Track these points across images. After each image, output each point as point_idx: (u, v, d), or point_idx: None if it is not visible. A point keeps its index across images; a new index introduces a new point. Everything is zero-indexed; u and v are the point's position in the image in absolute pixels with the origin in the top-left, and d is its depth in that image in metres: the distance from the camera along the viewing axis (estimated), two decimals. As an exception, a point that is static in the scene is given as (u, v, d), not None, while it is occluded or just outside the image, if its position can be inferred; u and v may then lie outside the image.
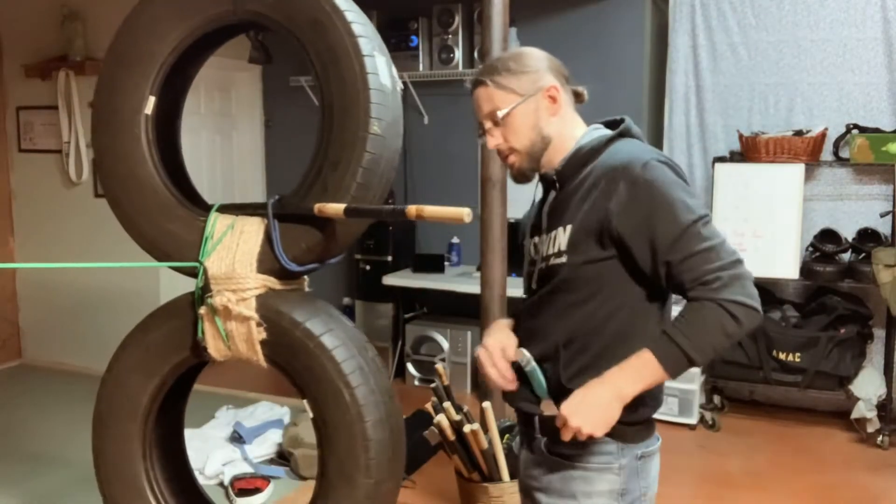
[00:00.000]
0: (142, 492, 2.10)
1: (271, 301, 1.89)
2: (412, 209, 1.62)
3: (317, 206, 1.78)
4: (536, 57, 1.58)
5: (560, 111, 1.57)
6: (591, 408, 1.41)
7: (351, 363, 1.85)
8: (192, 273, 1.94)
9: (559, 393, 1.52)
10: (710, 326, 1.38)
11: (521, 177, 1.62)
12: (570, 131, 1.59)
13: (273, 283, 1.90)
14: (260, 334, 1.88)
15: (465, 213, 1.51)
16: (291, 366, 1.89)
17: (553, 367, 1.54)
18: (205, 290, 1.90)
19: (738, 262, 1.40)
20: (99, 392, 2.09)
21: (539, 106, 1.55)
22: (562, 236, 1.52)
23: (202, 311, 1.91)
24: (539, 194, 1.68)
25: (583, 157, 1.54)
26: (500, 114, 1.55)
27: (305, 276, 2.01)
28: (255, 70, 5.43)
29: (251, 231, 1.89)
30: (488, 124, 1.58)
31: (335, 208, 1.76)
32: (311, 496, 1.97)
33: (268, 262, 1.88)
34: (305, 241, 1.86)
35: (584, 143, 1.56)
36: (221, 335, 1.90)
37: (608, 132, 1.58)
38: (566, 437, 1.44)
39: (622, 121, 1.60)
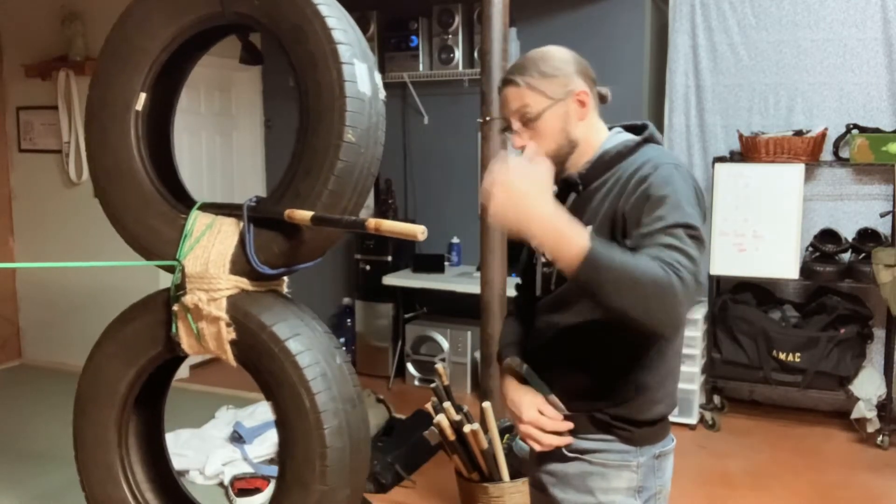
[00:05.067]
0: (115, 476, 2.14)
1: (242, 303, 1.89)
2: (371, 223, 1.65)
3: (287, 212, 1.78)
4: (566, 59, 1.57)
5: (588, 115, 1.57)
6: (511, 206, 1.32)
7: (314, 369, 1.84)
8: (171, 270, 1.95)
9: (577, 385, 1.55)
10: (641, 289, 1.27)
11: None
12: (596, 135, 1.60)
13: (245, 284, 1.91)
14: (229, 334, 1.89)
15: (419, 231, 1.54)
16: (257, 368, 1.90)
17: (569, 359, 1.56)
18: (179, 288, 1.90)
19: (697, 283, 1.33)
20: (80, 378, 2.14)
21: (568, 110, 1.55)
22: None
23: (175, 308, 1.92)
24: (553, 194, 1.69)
25: (608, 162, 1.55)
26: (530, 116, 1.55)
27: (284, 278, 2.01)
28: (255, 70, 5.43)
29: (227, 231, 1.90)
30: (517, 124, 1.57)
31: (303, 215, 1.76)
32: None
33: (241, 264, 1.88)
34: (277, 245, 1.87)
35: (610, 148, 1.57)
36: (194, 332, 1.91)
37: (632, 137, 1.59)
38: (486, 192, 1.34)
39: (643, 126, 1.61)
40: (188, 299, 1.88)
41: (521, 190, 1.32)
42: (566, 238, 1.30)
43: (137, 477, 2.17)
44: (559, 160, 1.57)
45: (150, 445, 2.24)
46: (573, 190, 1.60)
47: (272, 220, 1.84)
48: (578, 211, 1.56)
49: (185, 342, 1.95)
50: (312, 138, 1.80)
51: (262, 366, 1.88)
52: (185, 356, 2.04)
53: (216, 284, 1.87)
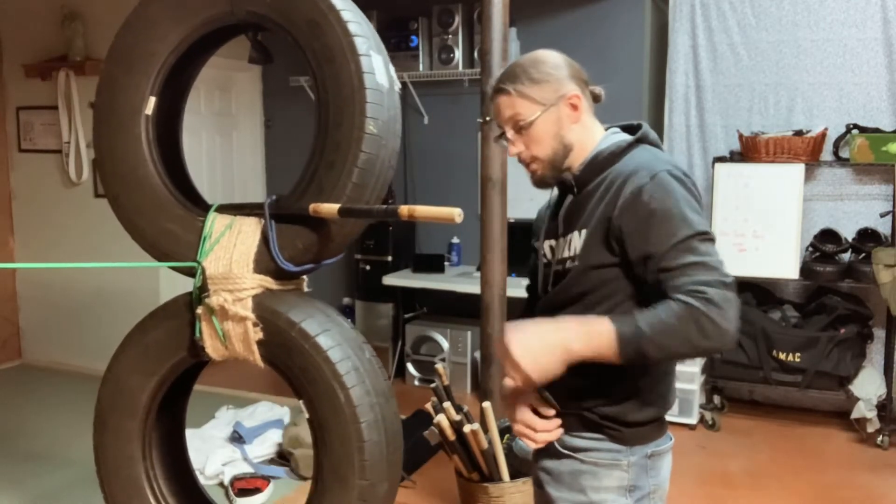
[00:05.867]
0: (141, 491, 2.11)
1: (268, 301, 1.89)
2: (404, 209, 1.62)
3: (312, 206, 1.78)
4: (557, 64, 1.56)
5: (581, 118, 1.57)
6: (536, 350, 1.39)
7: (346, 364, 1.84)
8: (190, 273, 1.94)
9: (568, 385, 1.53)
10: (678, 331, 1.35)
11: (542, 183, 1.62)
12: (591, 137, 1.59)
13: (270, 283, 1.90)
14: (257, 334, 1.88)
15: (455, 214, 1.51)
16: (287, 366, 1.89)
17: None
18: (202, 290, 1.90)
19: (729, 284, 1.38)
20: (99, 391, 2.10)
21: (561, 115, 1.55)
22: (577, 240, 1.53)
23: (199, 310, 1.91)
24: (554, 196, 1.69)
25: (601, 163, 1.55)
26: (522, 123, 1.55)
27: (304, 277, 2.01)
28: (255, 70, 5.43)
29: (248, 231, 1.89)
30: (510, 132, 1.58)
31: (329, 208, 1.75)
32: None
33: (264, 263, 1.87)
34: (302, 241, 1.86)
35: (603, 149, 1.57)
36: (219, 335, 1.90)
37: (626, 137, 1.59)
38: (507, 369, 1.42)
39: (639, 126, 1.61)
40: (213, 300, 1.87)
41: (527, 333, 1.41)
42: (593, 332, 1.39)
43: (163, 488, 2.14)
44: (555, 164, 1.58)
45: (173, 454, 2.22)
46: (570, 192, 1.60)
47: (295, 217, 1.84)
48: (575, 213, 1.57)
49: (210, 345, 1.93)
50: (334, 132, 1.80)
51: (292, 364, 1.87)
52: (208, 361, 2.01)
53: (241, 284, 1.86)
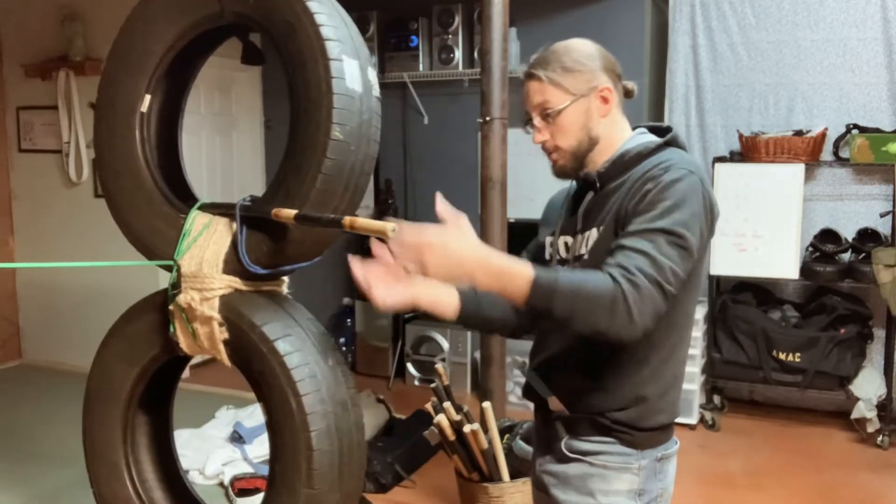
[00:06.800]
0: (121, 476, 2.13)
1: (235, 302, 1.88)
2: (347, 220, 1.62)
3: (273, 211, 1.77)
4: (591, 54, 1.53)
5: (610, 112, 1.55)
6: (446, 261, 1.31)
7: (302, 370, 1.82)
8: (170, 269, 1.96)
9: (580, 389, 1.54)
10: (591, 300, 1.31)
11: (563, 174, 1.59)
12: (618, 133, 1.57)
13: (238, 283, 1.89)
14: (222, 334, 1.87)
15: (388, 228, 1.51)
16: (249, 368, 1.88)
17: (573, 363, 1.55)
18: (175, 288, 1.90)
19: (664, 289, 1.34)
20: (88, 377, 2.14)
21: (591, 107, 1.52)
22: (594, 237, 1.52)
23: (171, 307, 1.92)
24: (572, 190, 1.67)
25: (627, 162, 1.53)
26: (550, 111, 1.52)
27: (285, 279, 2.00)
28: (255, 70, 5.43)
29: (222, 231, 1.89)
30: (537, 119, 1.55)
31: (287, 214, 1.75)
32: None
33: (234, 263, 1.86)
34: (267, 245, 1.85)
35: (630, 148, 1.54)
36: (190, 332, 1.91)
37: (654, 138, 1.56)
38: (409, 254, 1.33)
39: (668, 129, 1.59)
40: (181, 299, 1.88)
41: (449, 245, 1.31)
42: (508, 273, 1.32)
43: (144, 476, 2.16)
44: (578, 157, 1.55)
45: (158, 445, 2.23)
46: (591, 188, 1.58)
47: (262, 220, 1.83)
48: (594, 210, 1.54)
49: (183, 342, 1.94)
50: (301, 136, 1.79)
51: (252, 366, 1.87)
52: (185, 356, 2.03)
53: (209, 284, 1.86)
